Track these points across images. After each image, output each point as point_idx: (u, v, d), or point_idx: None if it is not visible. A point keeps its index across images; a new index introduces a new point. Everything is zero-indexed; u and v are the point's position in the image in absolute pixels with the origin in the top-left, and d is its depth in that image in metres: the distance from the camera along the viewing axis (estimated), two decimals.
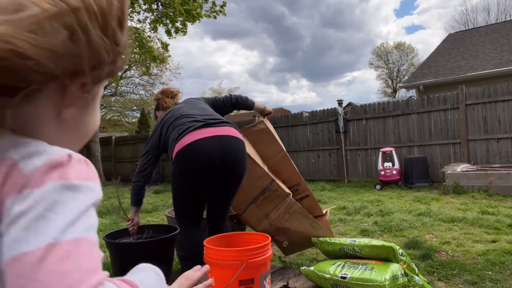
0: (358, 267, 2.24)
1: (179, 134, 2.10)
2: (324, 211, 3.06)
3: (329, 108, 9.65)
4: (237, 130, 2.26)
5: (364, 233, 3.99)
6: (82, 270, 0.41)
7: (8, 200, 0.42)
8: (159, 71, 24.33)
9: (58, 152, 0.48)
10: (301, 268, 2.48)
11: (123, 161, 14.35)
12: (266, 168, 2.70)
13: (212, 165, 2.07)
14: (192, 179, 2.12)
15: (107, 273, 0.45)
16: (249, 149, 2.62)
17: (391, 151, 7.96)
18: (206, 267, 0.85)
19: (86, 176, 0.49)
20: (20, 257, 0.40)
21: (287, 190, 2.67)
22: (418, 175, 7.54)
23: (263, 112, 2.86)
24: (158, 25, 11.82)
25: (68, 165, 0.47)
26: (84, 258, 0.42)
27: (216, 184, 2.20)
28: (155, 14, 11.72)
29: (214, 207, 2.40)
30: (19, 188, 0.43)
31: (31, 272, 0.39)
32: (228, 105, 2.64)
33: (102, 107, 25.36)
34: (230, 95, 2.68)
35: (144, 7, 11.88)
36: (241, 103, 2.68)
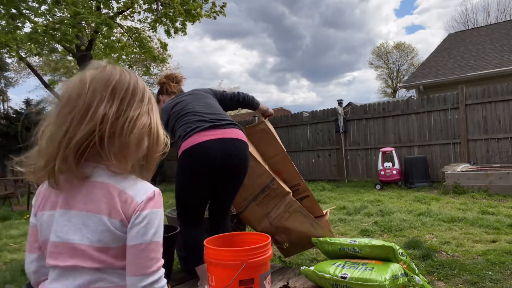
0: (358, 267, 2.24)
1: (187, 133, 2.14)
2: (324, 211, 3.06)
3: (329, 108, 9.65)
4: (243, 131, 2.30)
5: (364, 233, 3.99)
6: (159, 256, 0.88)
7: (133, 216, 0.84)
8: (159, 71, 24.30)
9: (151, 189, 0.89)
10: (301, 268, 2.48)
11: None
12: (267, 167, 2.70)
13: (216, 166, 2.12)
14: (195, 178, 2.17)
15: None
16: (251, 148, 2.63)
17: (391, 151, 7.97)
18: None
19: (160, 205, 0.90)
20: (136, 245, 0.84)
21: (287, 189, 2.67)
22: (418, 175, 7.54)
23: (265, 114, 2.87)
24: (157, 25, 11.82)
25: (154, 198, 0.88)
26: (160, 250, 0.88)
27: (218, 185, 2.25)
28: (155, 14, 11.72)
29: (215, 206, 2.42)
30: (136, 211, 0.85)
31: (139, 253, 0.83)
32: (235, 102, 2.63)
33: None
34: (238, 92, 2.67)
35: (144, 7, 11.88)
36: (248, 102, 2.68)
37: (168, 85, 2.59)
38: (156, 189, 0.89)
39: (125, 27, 12.68)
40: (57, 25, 9.36)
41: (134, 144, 0.85)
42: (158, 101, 2.67)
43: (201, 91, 2.50)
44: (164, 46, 12.88)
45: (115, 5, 11.52)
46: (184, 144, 2.12)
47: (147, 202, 0.85)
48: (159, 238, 0.86)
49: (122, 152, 0.84)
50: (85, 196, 0.84)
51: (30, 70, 16.26)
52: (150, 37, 12.79)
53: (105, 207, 0.83)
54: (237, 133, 2.22)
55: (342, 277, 2.19)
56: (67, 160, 0.80)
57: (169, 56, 19.56)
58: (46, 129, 0.84)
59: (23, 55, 11.15)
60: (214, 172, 2.14)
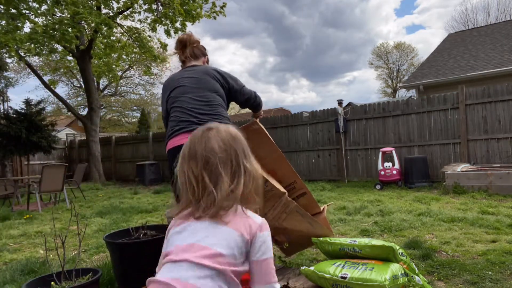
0: (358, 267, 2.24)
1: (171, 132, 2.20)
2: (321, 208, 3.05)
3: (329, 108, 9.65)
4: None
5: (364, 233, 3.99)
6: (274, 270, 1.07)
7: (256, 235, 1.05)
8: (159, 71, 24.33)
9: (262, 219, 1.10)
10: (301, 268, 2.48)
11: (123, 161, 14.35)
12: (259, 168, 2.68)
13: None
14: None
15: None
16: None
17: (391, 151, 7.97)
18: None
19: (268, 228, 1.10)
20: (262, 260, 1.04)
21: (283, 189, 2.66)
22: (418, 175, 7.54)
23: (257, 114, 2.80)
24: (157, 25, 11.82)
25: (265, 223, 1.09)
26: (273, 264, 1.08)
27: None
28: (155, 14, 11.72)
29: None
30: (258, 231, 1.05)
31: (266, 267, 1.04)
32: (249, 103, 2.52)
33: (102, 107, 25.35)
34: (256, 95, 2.52)
35: (144, 7, 11.88)
36: (254, 105, 2.57)
37: (178, 55, 2.47)
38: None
39: (125, 27, 12.68)
40: (56, 25, 9.36)
41: None
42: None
43: (209, 76, 2.31)
44: (164, 46, 12.88)
45: (115, 5, 11.53)
46: (168, 143, 2.21)
47: (262, 226, 1.07)
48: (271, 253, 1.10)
49: None
50: None
51: (30, 70, 16.27)
52: (150, 36, 12.79)
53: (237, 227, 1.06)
54: None
55: (342, 277, 2.19)
56: None
57: (170, 55, 19.57)
58: None
59: (23, 55, 11.14)
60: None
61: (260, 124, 2.80)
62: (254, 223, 1.05)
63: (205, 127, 1.11)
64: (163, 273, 1.00)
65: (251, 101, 2.49)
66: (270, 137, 2.85)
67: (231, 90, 2.37)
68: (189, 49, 2.41)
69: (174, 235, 1.07)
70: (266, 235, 1.06)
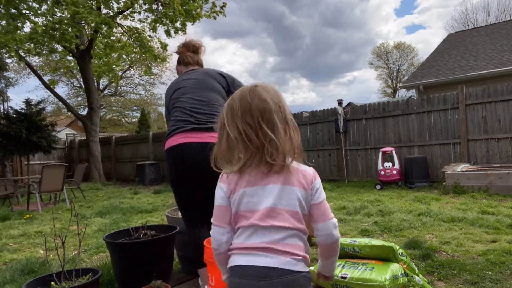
0: (358, 267, 2.24)
1: (171, 131, 2.22)
2: None
3: (329, 108, 9.65)
4: None
5: (364, 233, 3.99)
6: (329, 208, 1.20)
7: (313, 184, 1.17)
8: (159, 71, 24.32)
9: (311, 168, 1.20)
10: None
11: (123, 161, 14.35)
12: None
13: (193, 168, 2.16)
14: (176, 176, 2.26)
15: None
16: None
17: (391, 151, 7.97)
18: None
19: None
20: (319, 202, 1.16)
21: None
22: (418, 175, 7.54)
23: None
24: (157, 25, 11.82)
25: (315, 171, 1.20)
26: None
27: (202, 186, 2.20)
28: (155, 14, 11.72)
29: (208, 206, 2.39)
30: (313, 179, 1.18)
31: (324, 207, 1.17)
32: None
33: (102, 107, 25.36)
34: None
35: (144, 7, 11.88)
36: None
37: (185, 55, 2.51)
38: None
39: (125, 27, 12.68)
40: (56, 25, 9.36)
41: None
42: (178, 72, 2.61)
43: (210, 77, 2.37)
44: (164, 46, 12.88)
45: (115, 5, 11.52)
46: (167, 142, 2.23)
47: (315, 174, 1.20)
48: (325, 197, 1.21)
49: None
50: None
51: (30, 70, 16.27)
52: (150, 36, 12.79)
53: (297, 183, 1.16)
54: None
55: (342, 277, 2.19)
56: None
57: (170, 55, 19.58)
58: None
59: (23, 55, 11.14)
60: (194, 173, 2.17)
61: None
62: (308, 174, 1.17)
63: (250, 85, 1.18)
64: (253, 238, 1.09)
65: None
66: None
67: (228, 85, 2.43)
68: (197, 56, 2.53)
69: (246, 197, 1.11)
70: (319, 181, 1.19)
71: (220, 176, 1.18)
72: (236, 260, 1.09)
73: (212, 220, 1.17)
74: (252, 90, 1.14)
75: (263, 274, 1.03)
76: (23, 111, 11.44)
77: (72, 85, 26.24)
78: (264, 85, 1.17)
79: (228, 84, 2.43)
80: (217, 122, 1.19)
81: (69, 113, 20.80)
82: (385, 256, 2.33)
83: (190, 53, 2.51)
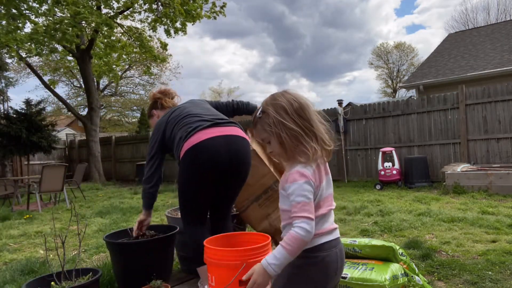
0: (358, 267, 2.24)
1: (188, 132, 2.15)
2: None
3: (329, 108, 9.65)
4: (243, 130, 2.32)
5: (364, 233, 3.99)
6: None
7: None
8: (159, 71, 24.33)
9: None
10: None
11: (123, 161, 14.35)
12: (272, 168, 2.70)
13: (220, 163, 2.12)
14: (200, 176, 2.15)
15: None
16: (258, 148, 2.63)
17: (391, 151, 7.97)
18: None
19: None
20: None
21: None
22: (418, 175, 7.54)
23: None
24: (157, 25, 11.82)
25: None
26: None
27: (222, 183, 2.24)
28: (155, 14, 11.73)
29: (218, 206, 2.41)
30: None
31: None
32: (230, 109, 2.66)
33: (102, 107, 25.36)
34: (232, 100, 2.71)
35: (144, 7, 11.89)
36: (242, 108, 2.69)
37: (164, 100, 2.62)
38: None
39: (125, 27, 12.68)
40: (57, 25, 9.36)
41: None
42: (151, 116, 2.68)
43: (197, 100, 2.55)
44: (164, 46, 12.88)
45: (115, 4, 11.53)
46: (186, 143, 2.12)
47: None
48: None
49: None
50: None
51: (30, 70, 16.27)
52: (150, 36, 12.80)
53: None
54: (238, 131, 2.24)
55: (342, 277, 2.19)
56: None
57: (170, 55, 19.59)
58: None
59: (23, 55, 11.15)
60: (218, 168, 2.13)
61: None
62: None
63: (281, 92, 1.33)
64: (329, 221, 1.32)
65: (230, 104, 2.69)
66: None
67: (212, 103, 2.59)
68: (173, 101, 2.67)
69: (323, 189, 1.29)
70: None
71: (297, 175, 1.24)
72: (318, 240, 1.27)
73: (307, 215, 1.21)
74: (290, 93, 1.31)
75: (337, 243, 1.33)
76: (23, 111, 11.44)
77: (72, 85, 26.26)
78: (291, 90, 1.35)
79: (214, 103, 2.60)
80: (264, 122, 1.28)
81: (69, 113, 20.80)
82: (385, 256, 2.33)
83: (167, 98, 2.64)
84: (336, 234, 1.34)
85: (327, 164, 1.35)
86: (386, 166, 7.77)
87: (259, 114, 1.31)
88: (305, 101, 1.29)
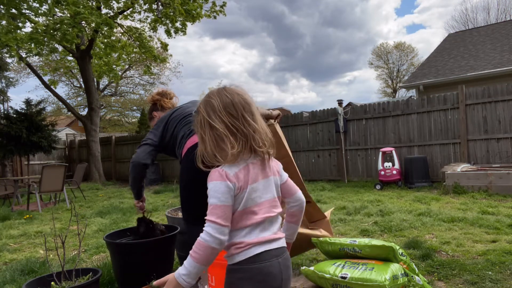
0: (358, 267, 2.24)
1: (191, 130, 2.17)
2: (326, 213, 3.05)
3: (329, 108, 9.65)
4: None
5: (364, 233, 4.00)
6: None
7: (280, 169, 1.31)
8: (159, 71, 24.33)
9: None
10: (301, 268, 2.48)
11: (123, 161, 14.35)
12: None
13: None
14: (202, 174, 2.15)
15: None
16: (279, 129, 2.62)
17: (391, 151, 7.97)
18: None
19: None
20: (287, 179, 1.32)
21: None
22: (418, 175, 7.54)
23: (271, 117, 2.80)
24: (157, 25, 11.82)
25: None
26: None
27: None
28: (155, 14, 11.73)
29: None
30: (280, 166, 1.31)
31: (290, 181, 1.34)
32: None
33: (102, 107, 25.35)
34: None
35: (144, 7, 11.89)
36: None
37: (163, 101, 2.64)
38: None
39: (125, 27, 12.68)
40: (57, 25, 9.36)
41: None
42: (152, 118, 2.68)
43: (198, 101, 2.53)
44: (164, 46, 12.87)
45: (115, 5, 11.53)
46: (189, 141, 2.15)
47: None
48: None
49: None
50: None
51: (30, 70, 16.27)
52: (150, 36, 12.80)
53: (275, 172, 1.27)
54: None
55: (342, 277, 2.19)
56: None
57: (170, 55, 19.59)
58: None
59: (23, 55, 11.15)
60: None
61: (277, 126, 2.78)
62: (276, 160, 1.30)
63: (220, 87, 1.24)
64: (266, 231, 1.18)
65: None
66: (285, 140, 2.83)
67: None
68: (172, 102, 2.69)
69: (253, 193, 1.17)
70: (280, 164, 1.32)
71: (216, 173, 1.16)
72: (254, 250, 1.15)
73: (214, 219, 1.13)
74: (226, 89, 1.22)
75: (279, 253, 1.19)
76: (23, 111, 11.44)
77: (72, 85, 26.25)
78: (234, 85, 1.26)
79: None
80: (196, 121, 1.21)
81: (69, 113, 20.79)
82: (385, 256, 2.33)
83: (165, 99, 2.66)
84: (280, 243, 1.20)
85: (273, 167, 1.25)
86: (386, 166, 7.77)
87: (195, 113, 1.25)
88: (243, 98, 1.19)
